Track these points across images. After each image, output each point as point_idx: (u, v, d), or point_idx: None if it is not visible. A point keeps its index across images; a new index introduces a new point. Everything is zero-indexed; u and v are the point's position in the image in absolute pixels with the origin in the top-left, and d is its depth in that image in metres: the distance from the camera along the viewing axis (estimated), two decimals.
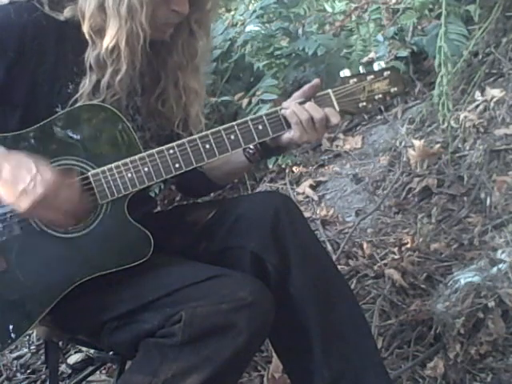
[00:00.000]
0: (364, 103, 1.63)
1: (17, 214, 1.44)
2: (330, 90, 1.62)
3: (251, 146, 1.65)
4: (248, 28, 3.36)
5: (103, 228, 1.49)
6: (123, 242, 1.51)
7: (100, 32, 1.50)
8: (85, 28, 1.50)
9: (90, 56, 1.51)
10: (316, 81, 1.62)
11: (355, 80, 1.62)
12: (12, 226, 1.47)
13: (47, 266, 1.47)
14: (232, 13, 3.93)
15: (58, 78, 1.54)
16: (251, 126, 1.56)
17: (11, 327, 1.47)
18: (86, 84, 1.52)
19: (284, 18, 3.34)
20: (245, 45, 3.39)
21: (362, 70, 1.65)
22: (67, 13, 1.53)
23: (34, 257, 1.48)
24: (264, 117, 1.57)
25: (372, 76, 1.63)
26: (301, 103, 1.58)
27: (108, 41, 1.49)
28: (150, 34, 1.52)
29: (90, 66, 1.52)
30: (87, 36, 1.51)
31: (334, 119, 1.57)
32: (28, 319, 1.47)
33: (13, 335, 1.47)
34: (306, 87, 1.61)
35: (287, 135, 1.58)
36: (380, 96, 1.64)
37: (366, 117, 3.22)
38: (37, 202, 1.36)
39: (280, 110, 1.58)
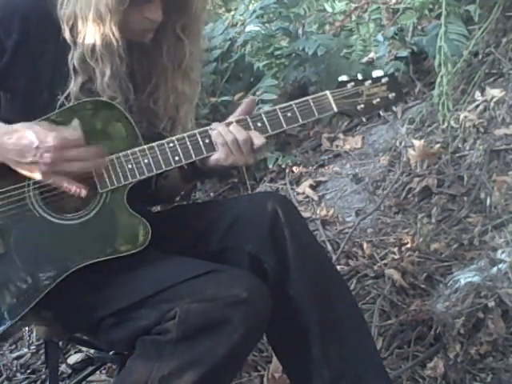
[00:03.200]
0: (362, 105, 1.63)
1: (16, 199, 1.47)
2: (327, 92, 1.62)
3: (185, 167, 1.64)
4: (248, 28, 3.36)
5: (102, 216, 1.51)
6: (121, 229, 1.52)
7: (78, 34, 1.51)
8: (65, 31, 1.51)
9: (73, 57, 1.52)
10: (251, 98, 1.73)
11: (353, 84, 1.63)
12: (11, 211, 1.48)
13: (44, 251, 1.48)
14: (232, 13, 3.93)
15: (58, 68, 1.54)
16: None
17: (6, 311, 1.47)
18: (72, 86, 1.52)
19: (284, 17, 3.33)
20: (245, 45, 3.40)
21: (360, 76, 1.65)
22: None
23: (32, 242, 1.49)
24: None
25: (370, 81, 1.64)
26: (227, 125, 1.57)
27: (86, 43, 1.50)
28: (130, 37, 1.54)
29: (74, 68, 1.52)
30: (67, 38, 1.51)
31: (258, 141, 1.55)
32: (23, 304, 1.47)
33: (7, 319, 1.47)
34: (242, 105, 1.62)
35: (214, 156, 1.57)
36: (378, 100, 1.64)
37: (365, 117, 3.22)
38: (49, 168, 1.41)
39: (210, 129, 1.57)
